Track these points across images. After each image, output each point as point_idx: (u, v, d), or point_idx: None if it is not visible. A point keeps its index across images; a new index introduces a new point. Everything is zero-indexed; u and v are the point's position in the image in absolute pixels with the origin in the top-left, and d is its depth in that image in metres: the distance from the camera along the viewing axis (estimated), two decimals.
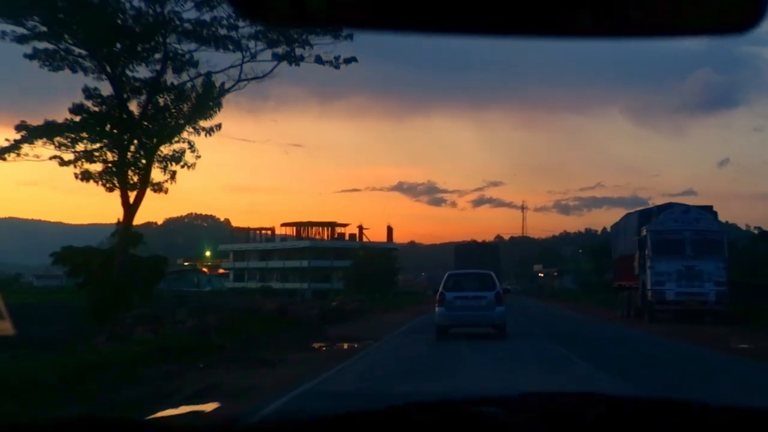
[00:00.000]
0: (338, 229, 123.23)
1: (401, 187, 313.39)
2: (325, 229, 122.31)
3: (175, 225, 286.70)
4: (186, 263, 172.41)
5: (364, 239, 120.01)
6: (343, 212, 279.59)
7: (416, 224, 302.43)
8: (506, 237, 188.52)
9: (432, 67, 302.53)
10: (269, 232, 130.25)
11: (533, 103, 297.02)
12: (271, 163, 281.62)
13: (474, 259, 68.25)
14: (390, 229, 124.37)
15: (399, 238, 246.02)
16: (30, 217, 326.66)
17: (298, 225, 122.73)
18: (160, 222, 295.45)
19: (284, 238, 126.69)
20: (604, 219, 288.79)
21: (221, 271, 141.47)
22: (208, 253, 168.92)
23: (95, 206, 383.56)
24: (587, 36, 1.80)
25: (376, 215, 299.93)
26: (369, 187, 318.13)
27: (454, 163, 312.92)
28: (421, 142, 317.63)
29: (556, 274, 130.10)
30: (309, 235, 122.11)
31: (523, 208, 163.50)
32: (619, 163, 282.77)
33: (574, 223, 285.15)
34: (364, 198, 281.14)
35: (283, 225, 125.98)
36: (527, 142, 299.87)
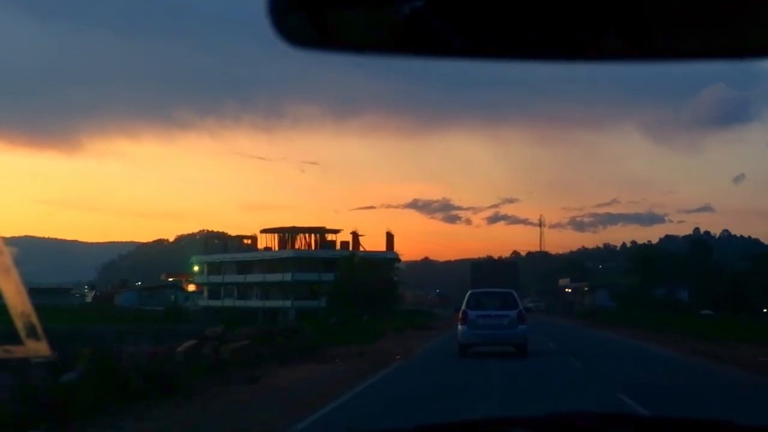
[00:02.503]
0: (329, 236, 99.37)
1: (416, 205, 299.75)
2: (313, 236, 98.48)
3: (186, 242, 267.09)
4: (171, 278, 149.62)
5: (360, 248, 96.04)
6: (358, 230, 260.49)
7: (431, 241, 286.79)
8: (523, 253, 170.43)
9: (446, 84, 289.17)
10: (249, 240, 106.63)
11: (548, 119, 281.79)
12: (287, 181, 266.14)
13: (491, 277, 54.87)
14: (390, 236, 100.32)
15: (413, 254, 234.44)
16: (46, 236, 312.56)
17: (281, 231, 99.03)
18: (171, 239, 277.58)
19: (269, 248, 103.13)
20: (621, 235, 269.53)
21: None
22: (196, 268, 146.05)
23: (111, 225, 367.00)
24: (612, 60, 1.75)
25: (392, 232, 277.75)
26: (384, 204, 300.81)
27: (469, 180, 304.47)
28: (435, 159, 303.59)
29: (586, 289, 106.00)
30: (294, 243, 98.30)
31: (540, 222, 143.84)
32: (635, 179, 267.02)
33: (589, 240, 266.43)
34: (379, 215, 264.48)
35: (264, 231, 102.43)
36: (542, 159, 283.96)
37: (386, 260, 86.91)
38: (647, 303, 79.50)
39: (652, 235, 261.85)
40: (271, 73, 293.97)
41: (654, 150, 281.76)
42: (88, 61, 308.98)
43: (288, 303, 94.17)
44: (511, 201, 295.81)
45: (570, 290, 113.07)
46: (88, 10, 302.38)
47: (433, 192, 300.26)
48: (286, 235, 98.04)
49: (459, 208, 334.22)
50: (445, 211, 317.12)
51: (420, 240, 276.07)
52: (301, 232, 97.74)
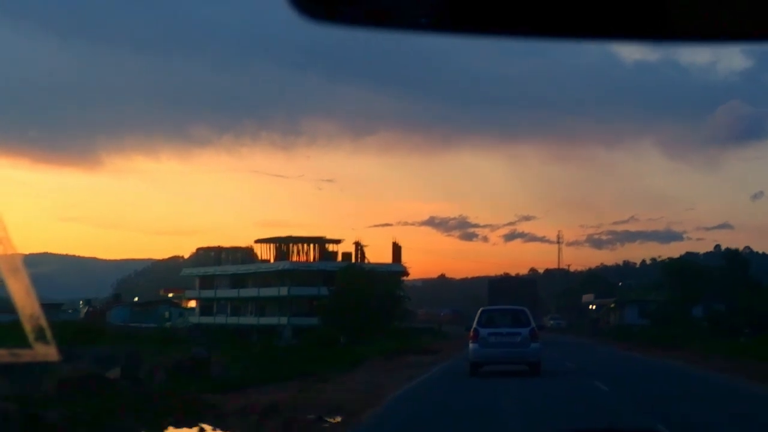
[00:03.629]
0: (329, 247, 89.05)
1: (432, 222, 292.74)
2: (311, 246, 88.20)
3: (200, 259, 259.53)
4: (170, 294, 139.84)
5: (365, 260, 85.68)
6: (373, 247, 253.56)
7: (448, 259, 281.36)
8: (541, 270, 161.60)
9: (462, 102, 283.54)
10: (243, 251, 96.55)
11: (565, 137, 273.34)
12: (305, 199, 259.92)
13: (509, 294, 53.83)
14: (397, 248, 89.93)
15: (429, 272, 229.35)
16: (64, 252, 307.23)
17: (277, 241, 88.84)
18: (187, 256, 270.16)
19: (266, 260, 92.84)
20: (639, 253, 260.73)
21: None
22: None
23: (129, 241, 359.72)
24: (634, 39, 1.77)
25: (407, 250, 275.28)
26: (401, 221, 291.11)
27: (485, 197, 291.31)
28: (452, 176, 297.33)
29: (613, 305, 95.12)
30: (291, 254, 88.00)
31: (558, 239, 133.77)
32: (652, 196, 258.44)
33: (607, 258, 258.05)
34: (396, 233, 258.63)
35: (258, 242, 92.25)
36: (559, 176, 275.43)
37: (391, 273, 76.51)
38: (685, 320, 68.91)
39: (671, 252, 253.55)
40: (288, 91, 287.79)
41: (672, 167, 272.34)
42: (107, 80, 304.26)
43: (284, 320, 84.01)
44: (527, 218, 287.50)
45: (594, 307, 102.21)
46: (108, 30, 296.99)
47: (449, 209, 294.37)
48: (283, 245, 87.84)
49: (476, 226, 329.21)
50: (462, 228, 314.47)
51: (436, 257, 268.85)
52: (298, 242, 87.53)
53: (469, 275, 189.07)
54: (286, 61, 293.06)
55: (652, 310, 78.49)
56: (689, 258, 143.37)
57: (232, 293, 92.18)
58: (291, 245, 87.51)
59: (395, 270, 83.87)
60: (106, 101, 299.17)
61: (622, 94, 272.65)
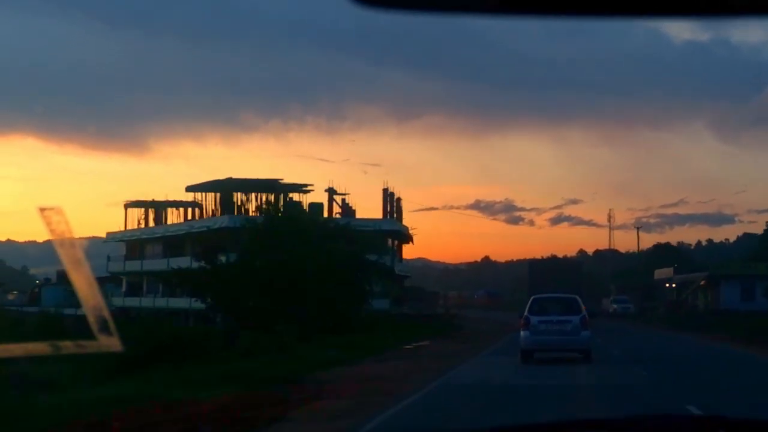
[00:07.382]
0: (294, 196, 61.76)
1: (478, 206, 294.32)
2: (267, 195, 60.88)
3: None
4: None
5: (340, 214, 58.21)
6: (419, 230, 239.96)
7: (493, 242, 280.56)
8: (590, 251, 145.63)
9: (509, 85, 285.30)
10: (187, 209, 69.73)
11: (612, 119, 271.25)
12: (350, 183, 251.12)
13: (551, 277, 44.12)
14: (389, 197, 62.24)
15: (474, 256, 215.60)
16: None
17: (214, 188, 61.74)
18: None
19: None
20: (689, 236, 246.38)
21: None
22: None
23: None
24: (686, 15, 1.73)
25: (452, 234, 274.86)
26: (446, 205, 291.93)
27: (531, 181, 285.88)
28: (498, 160, 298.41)
29: (703, 282, 66.79)
30: (241, 205, 60.98)
31: (609, 218, 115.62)
32: (702, 179, 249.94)
33: (657, 240, 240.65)
34: (442, 216, 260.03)
35: (190, 189, 65.23)
36: (606, 159, 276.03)
37: (373, 233, 49.03)
38: None
39: (725, 234, 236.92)
40: (334, 76, 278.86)
41: (722, 149, 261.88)
42: (155, 66, 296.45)
43: None
44: (574, 202, 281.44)
45: (674, 285, 73.80)
46: (156, 17, 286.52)
47: (495, 193, 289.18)
48: (225, 193, 60.75)
49: (522, 209, 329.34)
50: (508, 212, 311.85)
51: (481, 241, 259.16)
52: (245, 189, 60.35)
53: (514, 258, 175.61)
54: (332, 45, 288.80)
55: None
56: (747, 239, 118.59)
57: (161, 264, 65.47)
58: (236, 194, 60.36)
59: (384, 229, 56.52)
60: (155, 88, 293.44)
61: (670, 74, 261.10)
